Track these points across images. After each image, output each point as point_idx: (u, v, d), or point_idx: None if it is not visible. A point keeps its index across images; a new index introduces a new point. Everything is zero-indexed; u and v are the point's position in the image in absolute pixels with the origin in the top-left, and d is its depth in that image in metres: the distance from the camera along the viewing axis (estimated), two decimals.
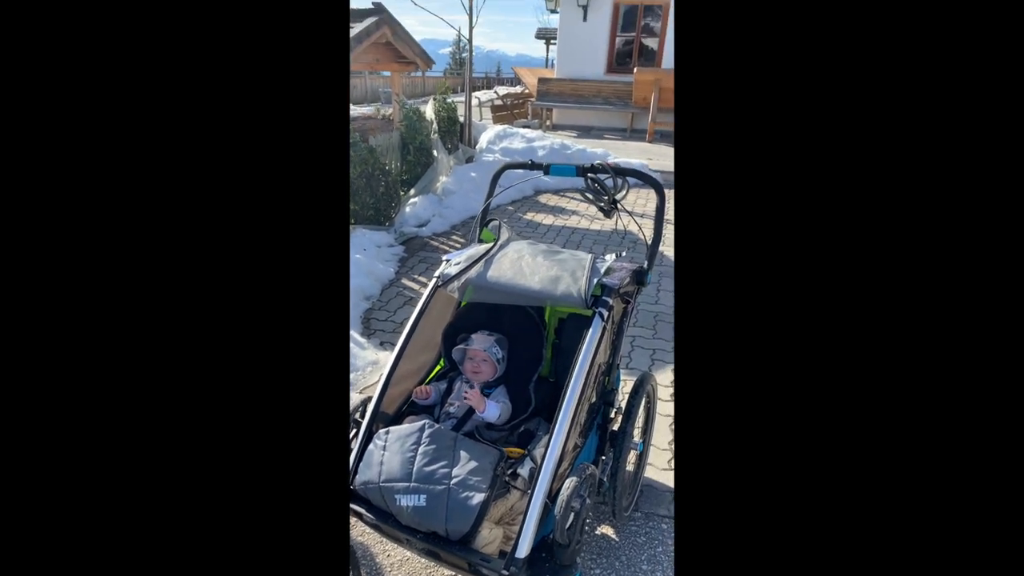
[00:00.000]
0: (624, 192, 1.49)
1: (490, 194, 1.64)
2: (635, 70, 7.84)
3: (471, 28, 5.46)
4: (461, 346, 1.44)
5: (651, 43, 8.56)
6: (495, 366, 1.42)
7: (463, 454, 1.13)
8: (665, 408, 2.00)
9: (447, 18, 5.60)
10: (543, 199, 4.95)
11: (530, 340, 1.49)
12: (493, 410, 1.32)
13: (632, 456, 1.53)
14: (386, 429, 1.19)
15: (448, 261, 1.41)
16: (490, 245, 1.45)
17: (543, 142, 6.18)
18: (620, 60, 8.75)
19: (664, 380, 2.16)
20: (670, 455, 1.81)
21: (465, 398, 1.31)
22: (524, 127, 8.16)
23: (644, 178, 1.48)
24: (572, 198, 4.95)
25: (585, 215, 4.43)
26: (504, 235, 1.53)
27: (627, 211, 1.55)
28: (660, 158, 6.43)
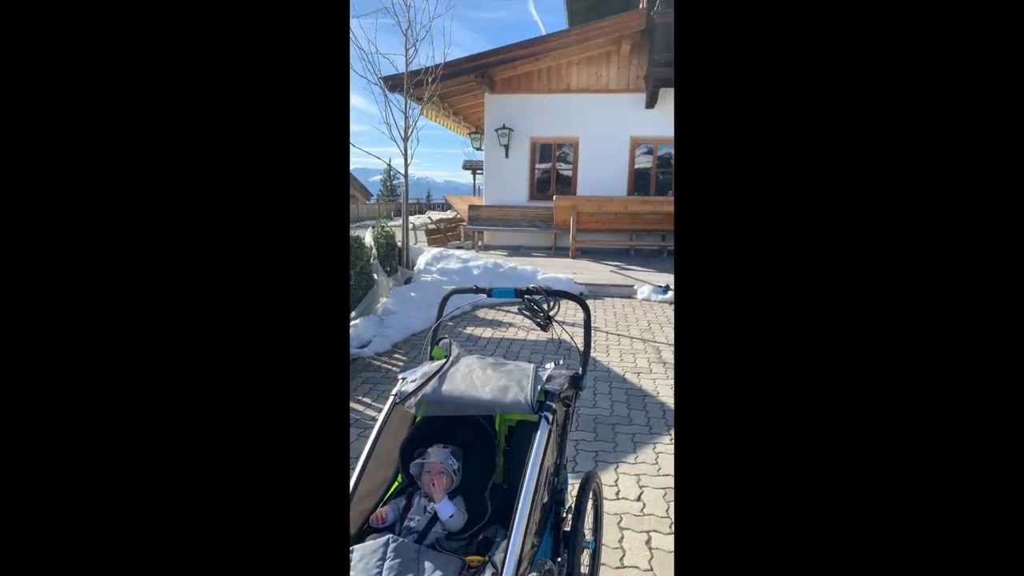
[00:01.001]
0: (556, 309, 1.74)
1: (439, 316, 1.83)
2: (554, 197, 8.80)
3: (407, 164, 6.04)
4: (418, 460, 1.52)
5: (567, 171, 9.73)
6: (451, 477, 1.50)
7: (428, 565, 1.18)
8: (611, 507, 2.10)
9: (380, 151, 6.18)
10: (481, 313, 5.21)
11: (483, 449, 1.60)
12: (447, 508, 1.38)
13: (585, 557, 1.60)
14: (350, 548, 1.22)
15: (404, 379, 1.54)
16: (442, 361, 1.61)
17: (477, 261, 6.61)
18: (540, 188, 9.81)
19: (608, 480, 2.28)
20: (621, 553, 1.88)
21: (432, 487, 1.38)
22: (458, 248, 8.69)
23: (571, 297, 1.74)
24: (508, 311, 5.25)
25: (521, 327, 4.69)
26: (454, 351, 1.69)
27: (561, 325, 1.78)
28: (584, 272, 7.03)
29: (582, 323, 1.73)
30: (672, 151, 9.30)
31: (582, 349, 1.71)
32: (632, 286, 6.16)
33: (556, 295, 1.74)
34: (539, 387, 1.44)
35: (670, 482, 2.26)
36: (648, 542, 1.91)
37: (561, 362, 1.71)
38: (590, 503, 1.63)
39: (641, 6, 8.84)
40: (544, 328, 1.73)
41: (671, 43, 8.03)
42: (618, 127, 9.22)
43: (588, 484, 1.61)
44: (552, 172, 9.77)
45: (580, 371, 1.65)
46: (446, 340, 1.77)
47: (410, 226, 9.28)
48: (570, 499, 1.58)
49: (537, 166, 9.77)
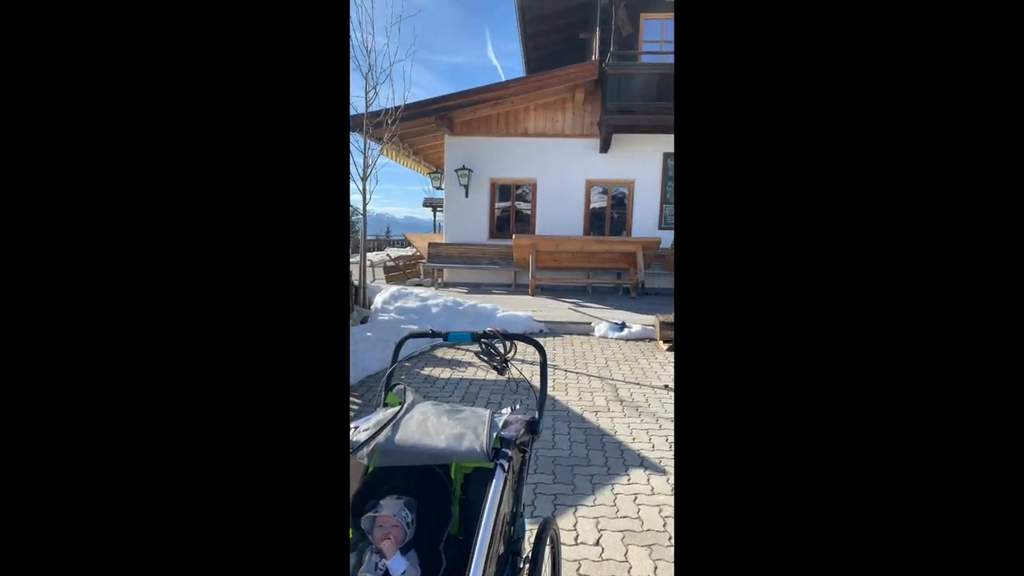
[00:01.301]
0: (513, 352, 1.75)
1: (394, 361, 1.80)
2: (513, 236, 8.95)
3: (365, 203, 6.03)
4: (370, 514, 1.46)
5: (526, 210, 9.94)
6: (405, 530, 1.45)
7: None
8: (569, 553, 2.07)
9: None
10: (439, 353, 5.14)
11: (438, 499, 1.56)
12: (399, 564, 1.34)
13: None
14: None
15: (356, 428, 1.50)
16: (396, 409, 1.58)
17: (437, 300, 6.58)
18: (500, 226, 9.97)
19: (566, 524, 2.25)
20: None
21: (383, 542, 1.34)
22: (417, 285, 8.63)
23: (527, 340, 1.76)
24: (466, 351, 5.21)
25: (480, 367, 4.66)
26: (409, 398, 1.67)
27: (519, 369, 1.79)
28: (543, 309, 7.10)
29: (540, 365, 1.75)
30: (625, 193, 9.69)
31: (539, 393, 1.72)
32: (590, 323, 6.26)
33: (513, 338, 1.76)
34: (495, 434, 1.44)
35: (628, 524, 2.25)
36: None
37: (518, 406, 1.71)
38: (547, 552, 1.60)
39: (593, 57, 9.36)
40: (501, 372, 1.74)
41: (621, 92, 8.49)
42: (574, 170, 9.57)
43: (545, 532, 1.59)
44: (511, 211, 9.96)
45: (536, 415, 1.66)
46: (400, 386, 1.74)
47: (368, 263, 9.17)
48: (527, 548, 1.56)
49: (497, 205, 9.95)
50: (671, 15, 8.89)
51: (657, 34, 9.08)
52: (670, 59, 8.90)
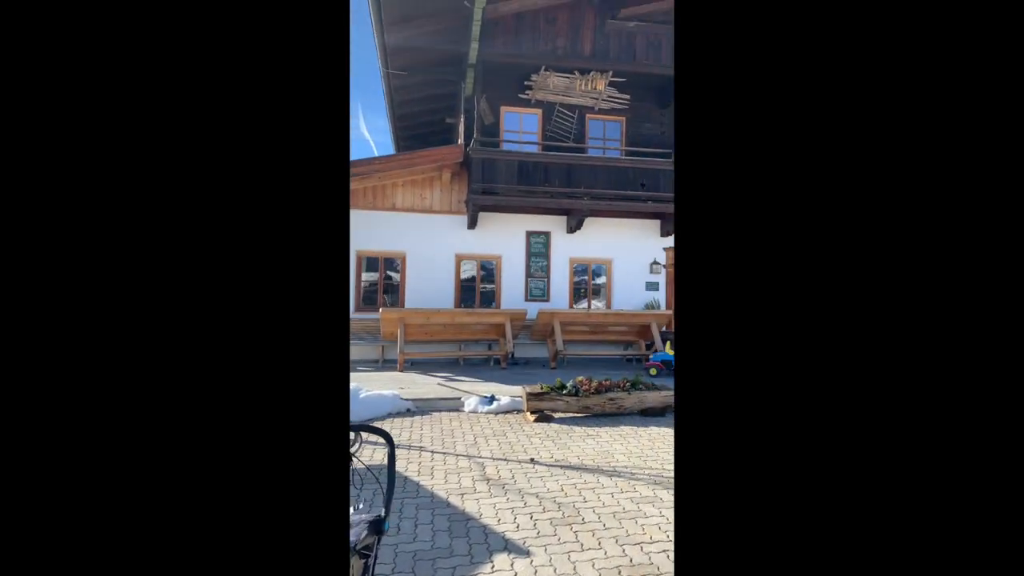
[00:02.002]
0: (358, 445, 1.64)
1: None
2: (380, 309, 8.72)
3: None
4: None
5: (395, 278, 9.81)
6: None
7: None
8: None
9: None
10: None
11: None
12: None
13: None
14: None
15: None
16: None
17: None
18: (367, 299, 9.67)
19: None
20: None
21: None
22: None
23: (372, 430, 1.67)
24: None
25: None
26: None
27: (363, 462, 1.68)
28: (411, 386, 6.87)
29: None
30: (493, 267, 10.10)
31: (385, 488, 1.62)
32: (460, 398, 6.18)
33: (356, 429, 1.65)
34: None
35: None
36: None
37: (361, 505, 1.58)
38: None
39: (459, 141, 9.98)
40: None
41: (485, 175, 9.08)
42: (443, 245, 9.80)
43: None
44: (379, 284, 9.76)
45: (382, 513, 1.54)
46: None
47: None
48: None
49: (363, 277, 9.69)
50: (528, 109, 9.93)
51: (516, 125, 10.02)
52: (529, 147, 9.83)
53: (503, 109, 9.87)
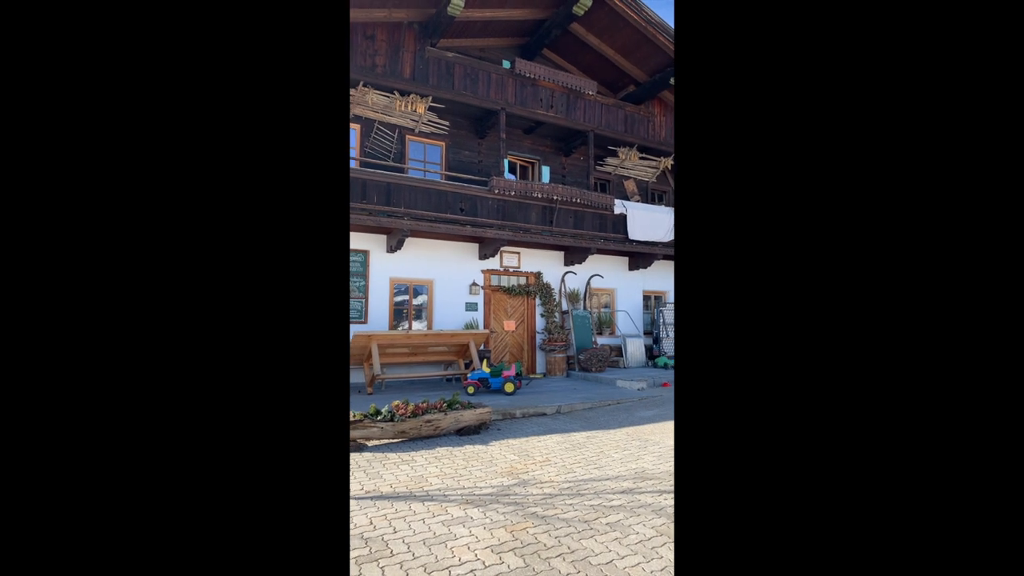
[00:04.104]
0: None
1: None
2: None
3: None
4: None
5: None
6: None
7: None
8: None
9: None
10: None
11: None
12: None
13: None
14: None
15: None
16: None
17: None
18: None
19: None
20: None
21: None
22: None
23: None
24: None
25: None
26: None
27: None
28: None
29: None
30: (425, 291, 9.33)
31: None
32: None
33: None
34: None
35: None
36: None
37: None
38: None
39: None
40: None
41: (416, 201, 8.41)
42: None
43: None
44: None
45: None
46: None
47: None
48: None
49: None
50: (431, 141, 9.64)
51: (420, 155, 9.78)
52: (435, 176, 9.54)
53: (408, 138, 9.36)
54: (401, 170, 9.93)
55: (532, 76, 10.58)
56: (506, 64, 10.65)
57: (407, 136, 10.20)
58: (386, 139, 9.89)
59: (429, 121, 10.19)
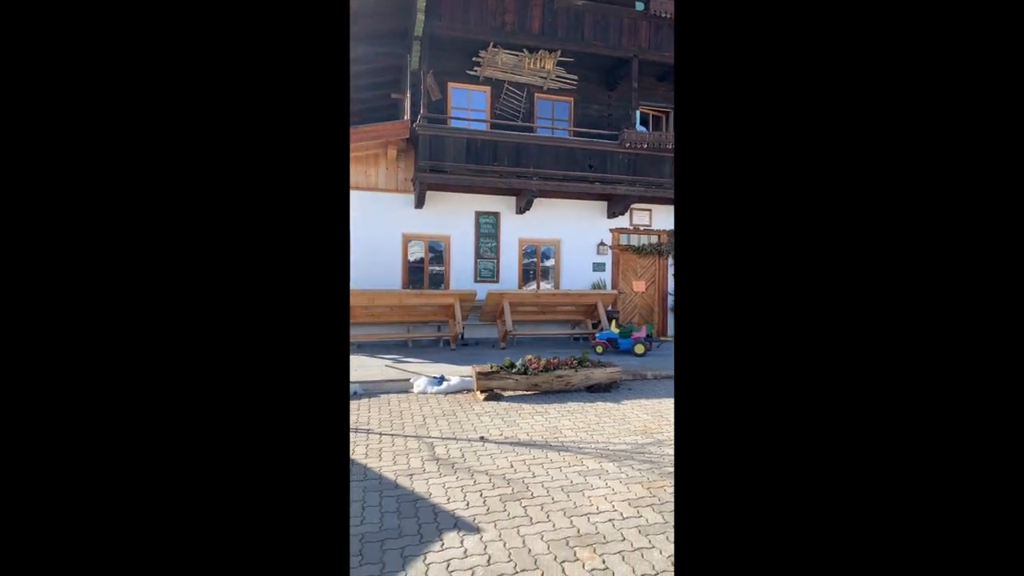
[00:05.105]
0: None
1: None
2: None
3: None
4: None
5: None
6: None
7: None
8: None
9: None
10: None
11: None
12: None
13: None
14: None
15: None
16: None
17: None
18: None
19: None
20: None
21: None
22: None
23: None
24: None
25: None
26: None
27: None
28: (359, 369, 6.71)
29: None
30: (442, 248, 9.96)
31: None
32: (408, 380, 6.11)
33: None
34: None
35: None
36: None
37: None
38: None
39: (405, 117, 9.67)
40: None
41: (433, 152, 8.88)
42: (390, 224, 9.54)
43: None
44: None
45: None
46: None
47: None
48: None
49: None
50: (476, 86, 9.74)
51: (464, 102, 9.82)
52: (478, 125, 9.66)
53: (451, 85, 9.64)
54: (530, 129, 9.93)
55: (668, 15, 9.74)
56: (639, 6, 9.91)
57: (535, 94, 10.11)
58: (515, 99, 9.92)
59: (557, 77, 9.98)
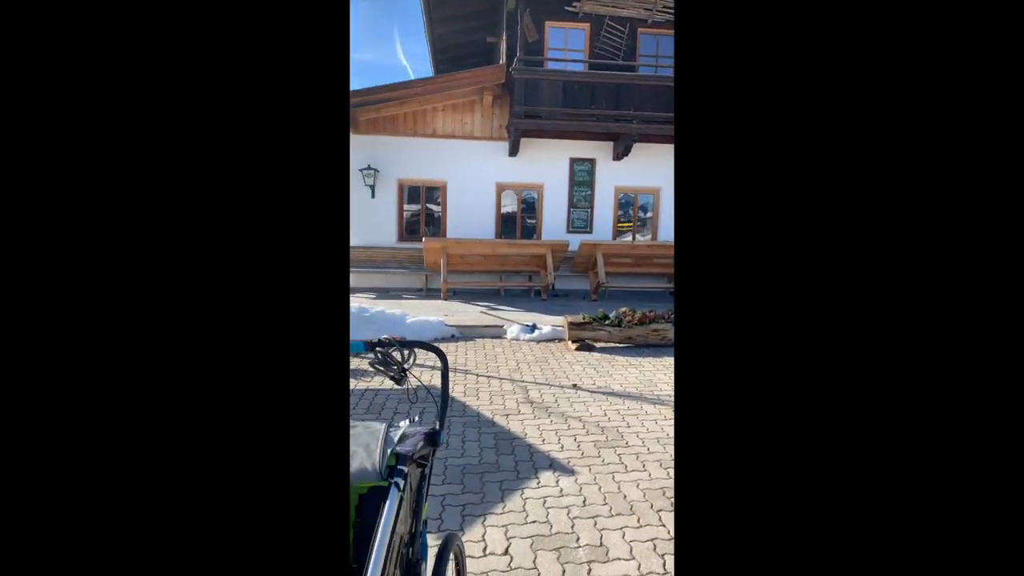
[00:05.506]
0: (412, 360, 1.64)
1: None
2: (424, 239, 8.75)
3: None
4: None
5: (437, 212, 9.78)
6: None
7: None
8: (477, 566, 2.00)
9: None
10: None
11: None
12: None
13: None
14: None
15: None
16: None
17: None
18: (410, 229, 9.71)
19: (475, 536, 2.18)
20: None
21: None
22: None
23: (426, 347, 1.66)
24: (368, 358, 4.97)
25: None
26: None
27: (418, 379, 1.69)
28: (455, 313, 6.99)
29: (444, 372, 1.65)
30: (535, 196, 9.86)
31: (440, 403, 1.63)
32: (502, 326, 6.26)
33: (411, 345, 1.65)
34: (389, 450, 1.33)
35: (536, 529, 2.23)
36: None
37: (418, 418, 1.61)
38: (451, 571, 1.51)
39: (501, 61, 9.43)
40: (399, 382, 1.63)
41: (528, 97, 8.64)
42: (484, 173, 9.57)
43: (446, 551, 1.51)
44: (421, 214, 9.74)
45: (437, 426, 1.56)
46: None
47: None
48: (428, 569, 1.46)
49: (405, 207, 9.69)
50: (575, 24, 9.21)
51: (561, 42, 9.35)
52: (575, 67, 9.20)
53: (547, 24, 9.19)
54: (631, 69, 9.28)
55: None
56: None
57: (638, 29, 9.35)
58: (616, 36, 9.26)
59: (664, 7, 9.11)
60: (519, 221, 9.93)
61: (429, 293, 9.03)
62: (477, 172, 9.53)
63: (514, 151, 9.38)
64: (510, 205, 9.92)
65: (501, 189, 9.76)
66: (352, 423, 1.47)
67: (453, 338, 6.04)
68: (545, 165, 9.60)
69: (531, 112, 8.67)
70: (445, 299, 8.40)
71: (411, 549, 1.39)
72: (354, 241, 9.44)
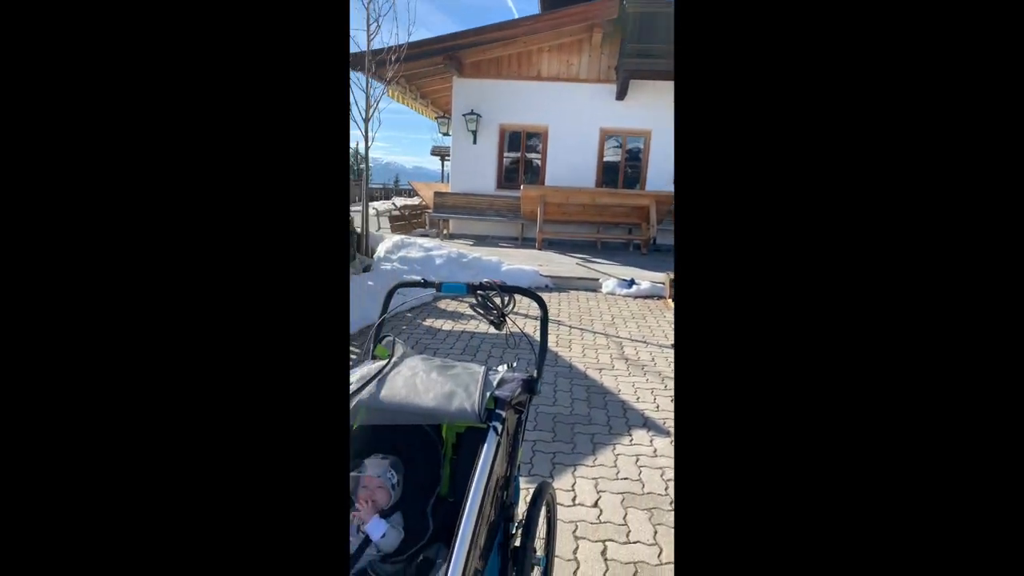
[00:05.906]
0: (512, 306, 1.60)
1: (384, 311, 1.67)
2: (522, 187, 8.65)
3: (367, 146, 5.77)
4: (354, 474, 1.36)
5: (536, 159, 9.59)
6: (389, 493, 1.36)
7: None
8: (566, 514, 2.00)
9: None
10: (442, 304, 5.05)
11: (427, 460, 1.46)
12: (378, 527, 1.25)
13: (536, 573, 1.49)
14: None
15: None
16: (383, 363, 1.45)
17: (440, 251, 6.42)
18: (508, 176, 9.65)
19: (564, 485, 2.18)
20: (575, 566, 1.78)
21: (363, 504, 1.26)
22: (423, 236, 8.45)
23: (527, 293, 1.61)
24: (469, 301, 5.10)
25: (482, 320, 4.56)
26: (398, 351, 1.54)
27: (517, 325, 1.65)
28: (549, 264, 6.93)
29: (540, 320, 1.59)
30: (640, 145, 9.28)
31: (538, 351, 1.59)
32: (597, 279, 6.11)
33: (511, 291, 1.61)
34: (488, 393, 1.31)
35: (627, 486, 2.18)
36: (604, 552, 1.82)
37: (515, 364, 1.58)
38: (543, 517, 1.51)
39: None
40: (498, 327, 1.60)
41: (643, 33, 7.96)
42: (588, 118, 9.13)
43: (540, 497, 1.50)
44: (520, 161, 9.61)
45: (535, 373, 1.53)
46: (390, 338, 1.61)
47: (373, 212, 8.96)
48: (521, 512, 1.46)
49: (505, 154, 9.59)
50: None
51: None
52: None
53: None
54: None
55: None
56: None
57: None
58: None
59: None
60: (622, 170, 9.44)
61: (524, 242, 9.02)
62: (581, 116, 9.11)
63: (622, 94, 8.80)
64: (613, 153, 9.43)
65: (605, 135, 9.29)
66: (452, 363, 1.47)
67: (547, 288, 6.01)
68: (654, 110, 8.92)
69: (644, 50, 7.99)
70: (540, 249, 8.34)
71: (505, 492, 1.40)
72: (454, 188, 9.59)
